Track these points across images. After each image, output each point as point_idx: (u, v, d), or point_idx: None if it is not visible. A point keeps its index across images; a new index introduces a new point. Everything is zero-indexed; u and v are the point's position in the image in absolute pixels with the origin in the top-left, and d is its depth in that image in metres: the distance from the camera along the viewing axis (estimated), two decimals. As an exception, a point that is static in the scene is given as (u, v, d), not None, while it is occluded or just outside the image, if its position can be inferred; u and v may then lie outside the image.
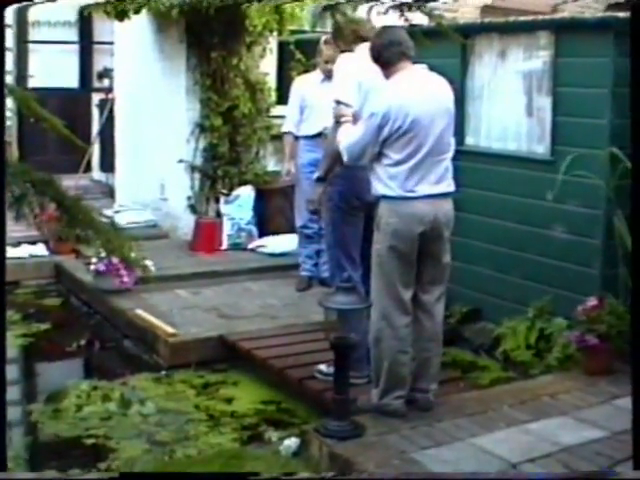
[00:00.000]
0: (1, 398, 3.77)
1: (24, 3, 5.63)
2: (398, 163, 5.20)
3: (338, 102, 5.57)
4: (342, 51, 6.00)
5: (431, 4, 3.40)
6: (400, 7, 3.36)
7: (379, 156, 5.25)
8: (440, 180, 5.30)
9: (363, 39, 5.76)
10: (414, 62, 5.33)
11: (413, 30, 3.88)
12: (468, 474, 4.74)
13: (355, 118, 5.41)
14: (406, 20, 3.51)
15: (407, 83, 5.25)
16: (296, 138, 8.52)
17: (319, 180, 5.89)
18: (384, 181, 5.26)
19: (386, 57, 5.29)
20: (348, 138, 5.32)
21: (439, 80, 5.39)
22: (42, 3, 8.46)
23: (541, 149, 6.86)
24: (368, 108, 5.33)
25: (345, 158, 5.37)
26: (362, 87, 5.57)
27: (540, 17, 8.00)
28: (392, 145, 5.19)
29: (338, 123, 5.51)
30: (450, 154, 5.38)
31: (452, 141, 5.43)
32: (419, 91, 5.25)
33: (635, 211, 4.07)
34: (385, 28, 5.35)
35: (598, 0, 13.86)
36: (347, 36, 5.66)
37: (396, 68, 5.28)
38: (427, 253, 5.36)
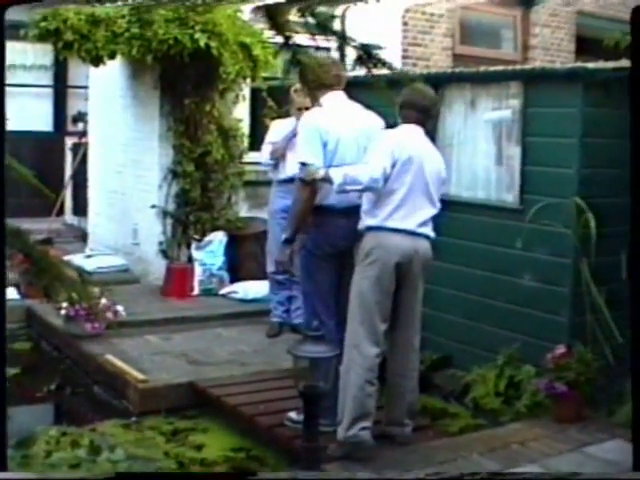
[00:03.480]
0: (1, 398, 3.75)
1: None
2: (390, 192, 5.47)
3: (303, 164, 5.65)
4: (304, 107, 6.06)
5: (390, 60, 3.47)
6: (363, 62, 3.39)
7: None
8: (422, 225, 5.60)
9: (328, 86, 5.85)
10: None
11: (377, 80, 3.93)
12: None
13: (326, 177, 5.49)
14: (370, 72, 3.55)
15: (410, 134, 5.67)
16: (268, 183, 8.56)
17: (287, 242, 5.83)
18: (372, 211, 5.53)
19: (401, 114, 5.75)
20: (367, 164, 5.52)
21: (436, 150, 5.87)
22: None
23: (510, 198, 6.91)
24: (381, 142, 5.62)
25: (365, 179, 5.44)
26: (330, 137, 5.66)
27: (510, 67, 8.10)
28: (391, 174, 5.46)
29: (306, 183, 5.60)
30: (435, 210, 5.68)
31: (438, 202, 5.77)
32: (418, 143, 5.67)
33: (634, 214, 4.11)
34: (422, 89, 5.77)
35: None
36: (310, 81, 5.71)
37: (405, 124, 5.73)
38: (405, 287, 5.59)
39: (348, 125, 5.73)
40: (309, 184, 5.58)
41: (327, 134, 5.64)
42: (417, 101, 5.70)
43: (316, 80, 5.69)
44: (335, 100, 5.82)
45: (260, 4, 3.28)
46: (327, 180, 5.48)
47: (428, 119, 5.81)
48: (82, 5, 8.80)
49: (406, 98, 5.69)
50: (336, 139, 5.65)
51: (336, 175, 5.44)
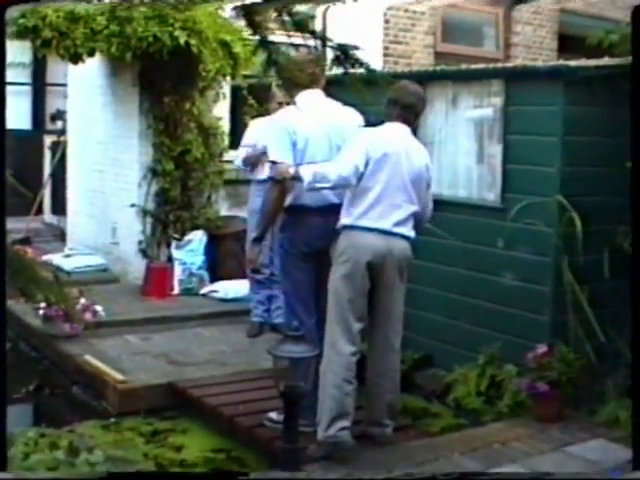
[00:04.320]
0: (1, 397, 3.71)
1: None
2: (364, 190, 5.47)
3: (273, 162, 5.64)
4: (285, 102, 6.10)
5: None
6: (341, 62, 3.37)
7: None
8: (399, 224, 5.55)
9: (303, 85, 5.84)
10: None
11: (353, 78, 3.90)
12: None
13: (296, 175, 5.46)
14: (345, 70, 3.53)
15: (390, 132, 5.67)
16: (248, 182, 8.51)
17: (256, 240, 5.88)
18: (347, 209, 5.54)
19: (386, 112, 5.76)
20: (338, 161, 5.51)
21: (422, 149, 5.83)
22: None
23: (492, 196, 6.89)
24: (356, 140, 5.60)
25: (333, 177, 5.43)
26: (298, 136, 5.65)
27: (492, 65, 8.09)
28: (365, 172, 5.45)
29: (276, 182, 5.60)
30: (415, 208, 5.63)
31: (429, 204, 5.84)
32: (397, 141, 5.64)
33: (635, 214, 4.10)
34: (406, 85, 5.79)
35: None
36: (285, 79, 5.70)
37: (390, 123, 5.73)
38: (380, 287, 5.57)
39: (320, 124, 5.72)
40: (279, 182, 5.58)
41: (295, 133, 5.64)
42: (401, 98, 5.70)
43: (291, 79, 5.67)
44: (310, 98, 5.81)
45: (238, 4, 3.24)
46: (297, 178, 5.46)
47: (414, 116, 5.80)
48: (74, 3, 8.75)
49: (390, 96, 5.69)
50: (305, 138, 5.65)
51: (306, 173, 5.42)
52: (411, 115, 5.76)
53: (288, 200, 5.70)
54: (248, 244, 8.28)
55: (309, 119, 5.69)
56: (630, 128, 4.11)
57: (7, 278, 3.56)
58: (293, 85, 5.74)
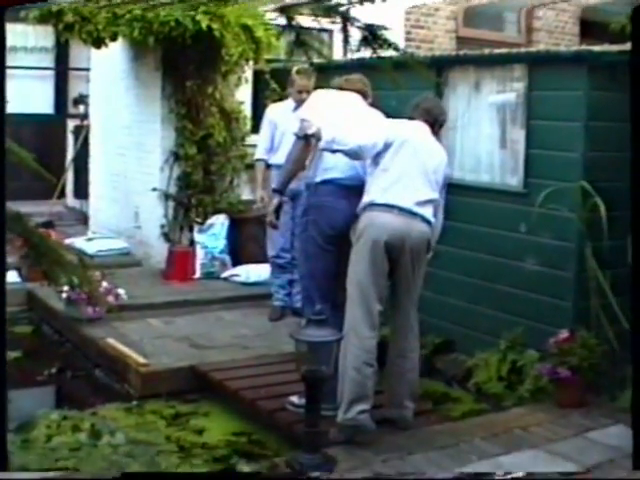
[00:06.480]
0: (1, 398, 3.73)
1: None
2: (385, 170, 5.55)
3: (304, 120, 5.72)
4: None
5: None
6: (368, 43, 3.37)
7: (371, 167, 5.66)
8: (420, 205, 5.56)
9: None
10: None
11: (383, 62, 3.91)
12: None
13: (317, 133, 5.54)
14: (375, 53, 3.53)
15: (411, 125, 5.81)
16: (268, 166, 8.51)
17: (275, 192, 5.98)
18: (368, 189, 5.61)
19: (409, 115, 5.91)
20: (359, 133, 5.57)
21: (441, 148, 5.93)
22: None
23: (514, 181, 6.88)
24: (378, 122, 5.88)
25: (351, 143, 5.53)
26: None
27: (515, 50, 8.05)
28: (383, 154, 5.55)
29: (299, 138, 5.71)
30: (436, 196, 5.70)
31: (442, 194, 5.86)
32: (418, 133, 5.78)
33: (635, 211, 4.10)
34: (427, 95, 6.19)
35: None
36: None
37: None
38: (400, 268, 5.58)
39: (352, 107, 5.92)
40: (301, 139, 5.69)
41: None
42: (422, 102, 5.92)
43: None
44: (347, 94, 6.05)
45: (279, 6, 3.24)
46: (317, 136, 5.54)
47: (433, 119, 5.88)
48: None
49: (418, 101, 5.91)
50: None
51: (327, 133, 5.51)
52: (430, 117, 5.87)
53: (320, 174, 5.83)
54: (269, 230, 8.35)
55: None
56: (631, 133, 4.11)
57: (32, 260, 3.59)
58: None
